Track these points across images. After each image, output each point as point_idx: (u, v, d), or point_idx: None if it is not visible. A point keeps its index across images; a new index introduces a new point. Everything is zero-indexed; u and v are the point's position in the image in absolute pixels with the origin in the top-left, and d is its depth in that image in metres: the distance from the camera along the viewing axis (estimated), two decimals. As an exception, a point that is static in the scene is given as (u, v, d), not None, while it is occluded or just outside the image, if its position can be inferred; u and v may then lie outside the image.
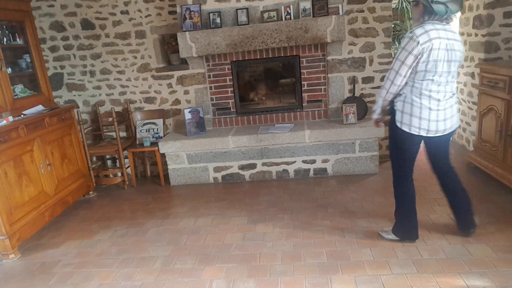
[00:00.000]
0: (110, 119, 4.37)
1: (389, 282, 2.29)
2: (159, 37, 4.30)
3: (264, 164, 4.07)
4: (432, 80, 2.29)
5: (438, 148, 2.57)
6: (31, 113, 3.38)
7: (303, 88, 4.21)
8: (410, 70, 2.28)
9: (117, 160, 4.65)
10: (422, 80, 2.30)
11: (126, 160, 4.47)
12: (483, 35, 3.90)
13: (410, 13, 5.38)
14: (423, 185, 3.57)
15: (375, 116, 2.64)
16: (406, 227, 2.64)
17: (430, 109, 2.32)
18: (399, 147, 2.52)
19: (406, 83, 2.35)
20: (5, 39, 3.48)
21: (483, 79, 3.55)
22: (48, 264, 2.88)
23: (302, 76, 4.17)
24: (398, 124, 2.41)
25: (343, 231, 2.92)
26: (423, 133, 2.38)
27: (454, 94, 2.41)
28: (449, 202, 2.69)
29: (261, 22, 3.91)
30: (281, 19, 3.91)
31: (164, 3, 4.19)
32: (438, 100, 2.32)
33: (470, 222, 2.66)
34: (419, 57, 2.23)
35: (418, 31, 2.22)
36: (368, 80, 4.14)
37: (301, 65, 4.14)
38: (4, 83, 3.22)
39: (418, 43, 2.19)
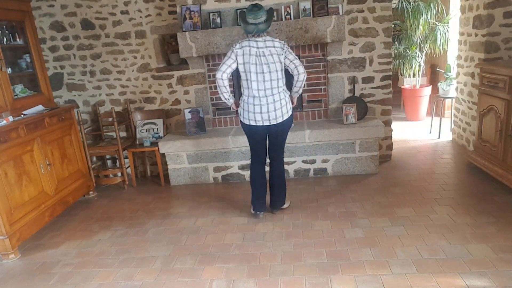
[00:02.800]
0: (110, 119, 4.37)
1: (389, 282, 2.29)
2: (159, 37, 4.30)
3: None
4: None
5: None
6: (31, 113, 3.38)
7: (303, 88, 4.20)
8: None
9: (117, 160, 4.64)
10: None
11: (126, 160, 4.47)
12: (483, 35, 3.90)
13: (410, 13, 5.37)
14: (423, 185, 3.58)
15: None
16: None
17: None
18: None
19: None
20: (5, 39, 3.48)
21: (483, 79, 3.55)
22: (48, 264, 2.88)
23: (302, 76, 4.17)
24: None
25: (343, 231, 2.92)
26: None
27: None
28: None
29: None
30: (281, 19, 3.91)
31: (164, 3, 4.19)
32: None
33: (278, 205, 3.31)
34: None
35: None
36: (368, 80, 4.13)
37: (301, 65, 4.13)
38: (4, 83, 3.22)
39: None
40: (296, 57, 2.98)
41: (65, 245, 3.15)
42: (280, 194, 3.26)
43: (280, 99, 2.99)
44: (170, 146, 4.06)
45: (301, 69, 2.97)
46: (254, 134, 3.10)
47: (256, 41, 2.91)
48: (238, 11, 3.93)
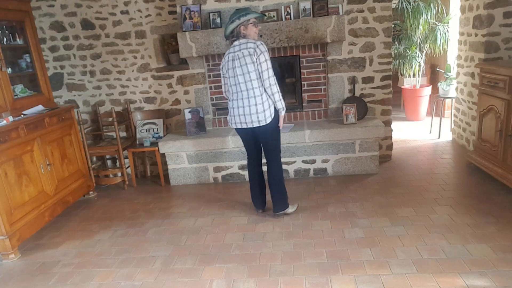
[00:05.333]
0: (110, 119, 4.38)
1: (389, 282, 2.29)
2: (159, 37, 4.31)
3: (264, 164, 4.06)
4: None
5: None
6: (31, 113, 3.38)
7: (303, 88, 4.21)
8: None
9: (117, 160, 4.65)
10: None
11: (126, 160, 4.48)
12: (483, 35, 3.90)
13: (410, 13, 5.38)
14: (423, 185, 3.58)
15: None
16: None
17: None
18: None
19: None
20: (5, 39, 3.48)
21: (483, 79, 3.55)
22: (48, 264, 2.88)
23: (302, 76, 4.17)
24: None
25: (343, 231, 2.92)
26: None
27: None
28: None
29: (261, 22, 3.91)
30: (281, 19, 3.91)
31: (164, 3, 4.19)
32: None
33: (278, 208, 3.22)
34: None
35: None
36: (368, 80, 4.13)
37: (301, 65, 4.14)
38: (4, 83, 3.22)
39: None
40: (269, 67, 2.86)
41: (65, 245, 3.15)
42: (278, 196, 3.18)
43: (256, 104, 2.91)
44: (170, 146, 4.06)
45: (267, 83, 2.88)
46: (241, 136, 3.18)
47: (233, 46, 2.95)
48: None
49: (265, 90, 2.94)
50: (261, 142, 3.15)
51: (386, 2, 3.91)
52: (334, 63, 4.08)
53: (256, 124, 2.98)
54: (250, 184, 3.31)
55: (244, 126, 3.03)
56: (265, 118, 2.95)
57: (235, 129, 3.13)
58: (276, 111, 3.01)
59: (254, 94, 2.92)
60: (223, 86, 3.16)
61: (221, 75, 3.12)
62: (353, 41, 4.04)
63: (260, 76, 2.90)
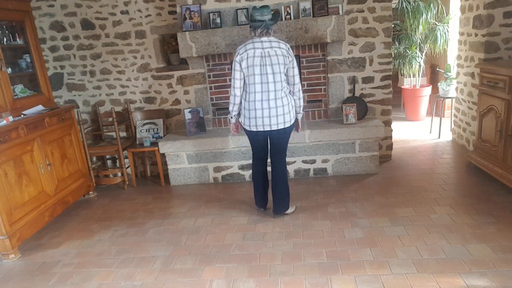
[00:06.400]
0: (110, 119, 4.38)
1: (389, 282, 2.29)
2: (159, 37, 4.30)
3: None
4: None
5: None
6: (31, 113, 3.38)
7: (303, 88, 4.21)
8: None
9: (117, 160, 4.65)
10: None
11: (126, 160, 4.47)
12: (483, 35, 3.90)
13: (410, 13, 5.38)
14: (423, 185, 3.58)
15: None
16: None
17: None
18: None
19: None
20: (5, 39, 3.48)
21: (483, 79, 3.55)
22: (48, 264, 2.88)
23: (302, 76, 4.17)
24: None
25: (343, 231, 2.92)
26: None
27: None
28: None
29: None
30: (281, 19, 3.90)
31: (164, 3, 4.19)
32: None
33: (280, 210, 3.21)
34: None
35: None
36: (368, 80, 4.13)
37: (301, 65, 4.14)
38: (4, 83, 3.22)
39: None
40: (298, 72, 2.99)
41: (65, 245, 3.15)
42: (281, 197, 3.16)
43: (283, 105, 2.91)
44: (170, 146, 4.06)
45: (297, 87, 2.99)
46: (255, 138, 3.09)
47: (261, 41, 2.85)
48: (243, 10, 3.92)
49: (291, 92, 2.99)
50: (273, 143, 3.09)
51: (386, 2, 3.91)
52: (334, 63, 4.08)
53: (281, 126, 2.94)
54: (254, 184, 3.28)
55: (267, 128, 2.95)
56: (291, 119, 2.98)
57: (250, 132, 3.04)
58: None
59: (282, 94, 2.92)
60: (237, 82, 2.94)
61: (237, 69, 2.90)
62: (353, 41, 4.04)
63: (284, 78, 2.93)
